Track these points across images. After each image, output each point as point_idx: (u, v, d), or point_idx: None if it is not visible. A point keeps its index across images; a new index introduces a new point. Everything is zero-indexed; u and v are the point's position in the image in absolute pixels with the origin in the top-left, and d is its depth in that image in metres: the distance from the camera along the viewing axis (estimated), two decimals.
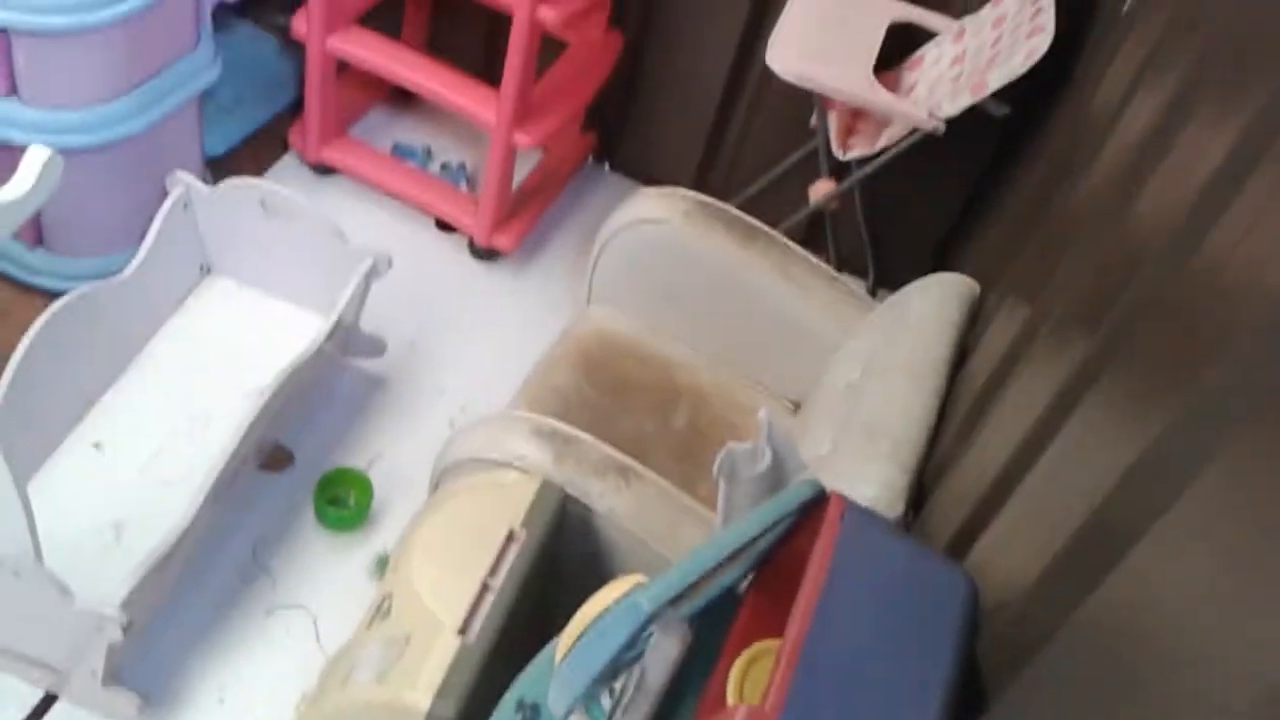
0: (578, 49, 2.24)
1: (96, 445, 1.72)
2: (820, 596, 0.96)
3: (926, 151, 1.96)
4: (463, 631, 1.30)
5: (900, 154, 1.97)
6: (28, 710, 1.55)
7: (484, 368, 2.09)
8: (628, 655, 0.99)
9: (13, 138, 1.69)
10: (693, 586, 0.97)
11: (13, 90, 1.69)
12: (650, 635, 0.98)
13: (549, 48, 2.14)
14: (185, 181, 1.82)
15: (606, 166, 2.52)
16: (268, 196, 1.84)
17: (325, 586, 1.77)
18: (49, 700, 1.56)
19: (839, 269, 2.23)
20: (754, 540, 1.00)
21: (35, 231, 1.89)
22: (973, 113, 1.86)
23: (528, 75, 2.01)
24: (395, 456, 1.96)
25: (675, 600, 0.96)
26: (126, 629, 1.42)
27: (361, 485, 1.88)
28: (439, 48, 2.37)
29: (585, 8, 2.04)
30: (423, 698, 1.24)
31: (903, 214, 2.29)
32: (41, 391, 1.61)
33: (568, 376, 1.86)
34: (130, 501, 1.67)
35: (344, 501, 1.88)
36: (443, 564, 1.41)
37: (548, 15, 1.91)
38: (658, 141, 2.42)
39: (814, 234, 2.32)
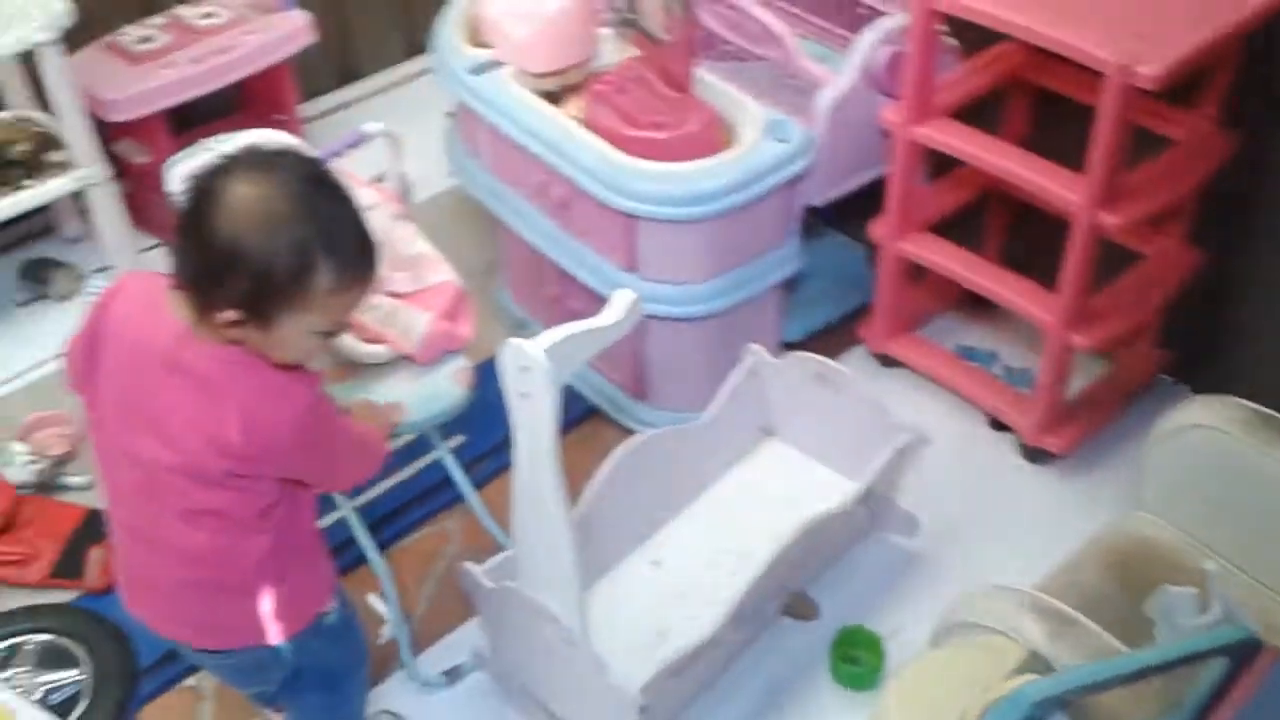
0: (1151, 259, 2.25)
1: (654, 563, 2.01)
2: None
3: None
4: None
5: None
6: None
7: (1015, 562, 2.09)
8: None
9: None
10: (1084, 691, 0.95)
11: (634, 267, 2.11)
12: None
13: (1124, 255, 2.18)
14: (756, 352, 2.11)
15: (1189, 389, 2.43)
16: (822, 369, 2.07)
17: None
18: None
19: None
20: (1164, 667, 0.96)
21: (640, 386, 2.29)
22: None
23: (1084, 278, 2.07)
24: (915, 634, 2.01)
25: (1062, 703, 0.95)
26: (643, 712, 1.64)
27: (874, 646, 1.97)
28: (1016, 260, 2.49)
29: (1153, 215, 2.06)
30: None
31: None
32: (616, 509, 1.93)
33: (1093, 575, 1.83)
34: (675, 615, 1.91)
35: (859, 661, 1.98)
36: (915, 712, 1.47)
37: (1108, 220, 1.98)
38: (1252, 366, 2.29)
39: None
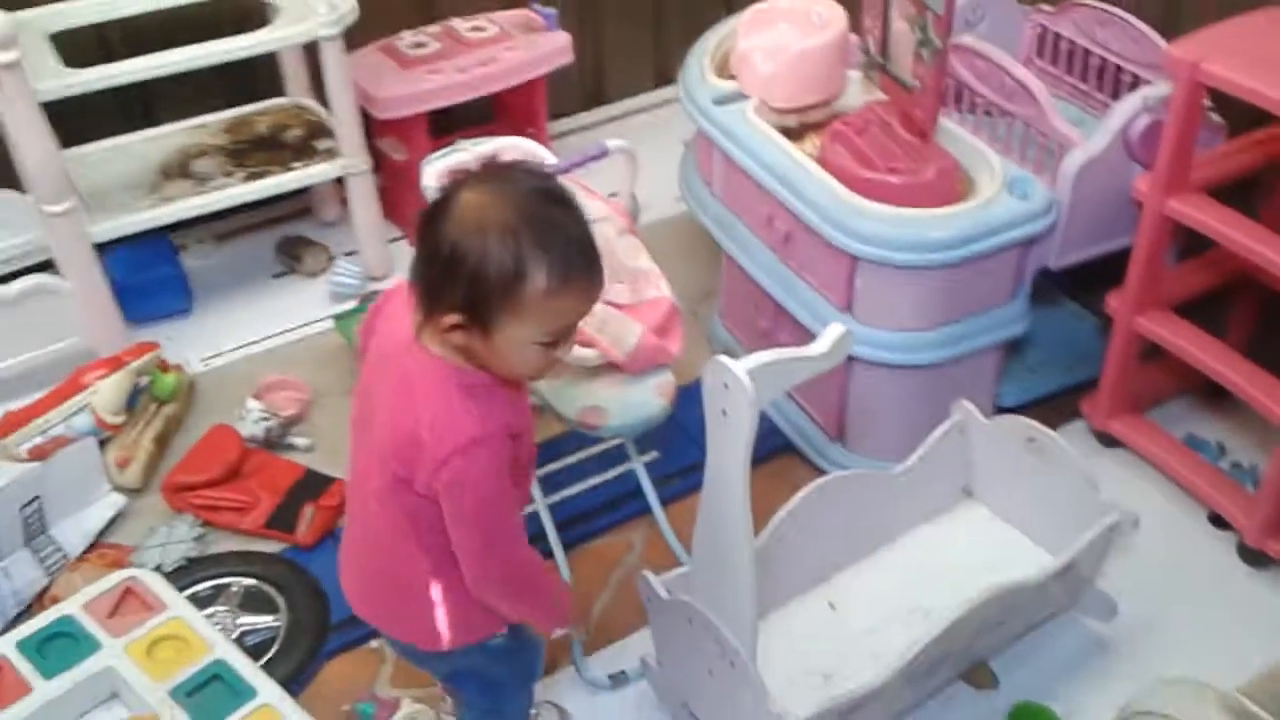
0: None
1: (830, 605, 1.98)
2: None
3: None
4: None
5: None
6: None
7: (1214, 662, 1.96)
8: None
9: None
10: None
11: (849, 307, 2.10)
12: None
13: None
14: (966, 409, 2.06)
15: None
16: (1035, 434, 2.00)
17: None
18: None
19: None
20: None
21: (839, 428, 2.27)
22: None
23: None
24: (1094, 718, 1.93)
25: None
26: None
27: None
28: (1260, 353, 2.34)
29: None
30: None
31: None
32: (800, 544, 1.92)
33: None
34: (844, 659, 1.88)
35: None
36: None
37: None
38: None
39: None
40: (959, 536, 2.09)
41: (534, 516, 2.08)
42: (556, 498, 2.16)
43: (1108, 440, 2.38)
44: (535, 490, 2.07)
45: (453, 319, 1.31)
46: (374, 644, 2.05)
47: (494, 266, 1.27)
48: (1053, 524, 2.00)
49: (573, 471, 2.23)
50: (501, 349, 1.33)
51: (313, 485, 2.30)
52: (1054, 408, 2.42)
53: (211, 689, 1.60)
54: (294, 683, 1.98)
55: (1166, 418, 2.42)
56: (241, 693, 1.59)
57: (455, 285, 1.29)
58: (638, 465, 2.06)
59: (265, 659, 2.02)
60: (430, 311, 1.33)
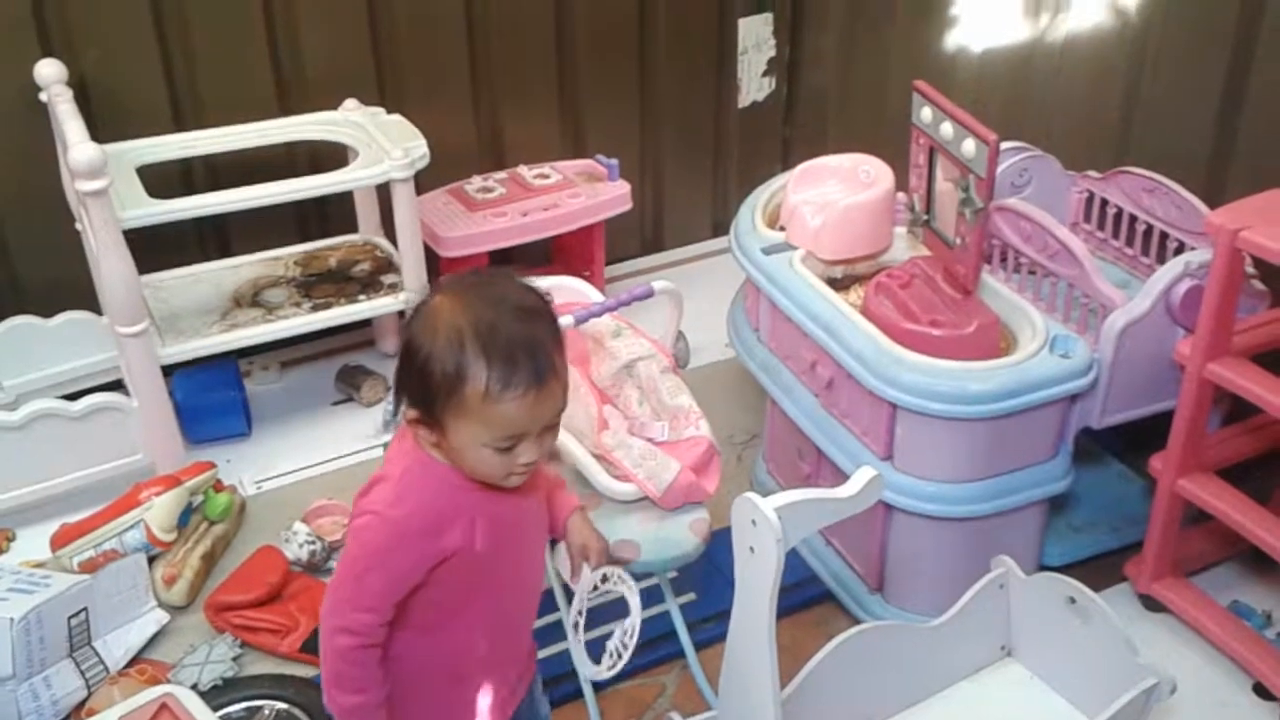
0: None
1: None
2: None
3: None
4: None
5: None
6: None
7: None
8: None
9: (882, 495, 2.08)
10: None
11: (889, 456, 2.11)
12: None
13: None
14: (1007, 564, 2.04)
15: None
16: (1074, 594, 1.97)
17: None
18: None
19: None
20: None
21: (879, 579, 2.25)
22: None
23: None
24: None
25: None
26: None
27: None
28: None
29: None
30: None
31: None
32: (832, 695, 1.89)
33: None
34: None
35: None
36: None
37: None
38: None
39: None
40: (995, 694, 2.05)
41: (565, 654, 2.07)
42: (590, 636, 2.15)
43: (1153, 604, 2.33)
44: (567, 625, 2.07)
45: (412, 413, 1.36)
46: None
47: (438, 367, 1.31)
48: (1091, 686, 1.96)
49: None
50: (455, 447, 1.35)
51: None
52: (1100, 569, 2.38)
53: None
54: None
55: (1212, 583, 2.37)
56: None
57: (409, 381, 1.35)
58: (673, 607, 2.06)
59: None
60: (398, 404, 1.39)
